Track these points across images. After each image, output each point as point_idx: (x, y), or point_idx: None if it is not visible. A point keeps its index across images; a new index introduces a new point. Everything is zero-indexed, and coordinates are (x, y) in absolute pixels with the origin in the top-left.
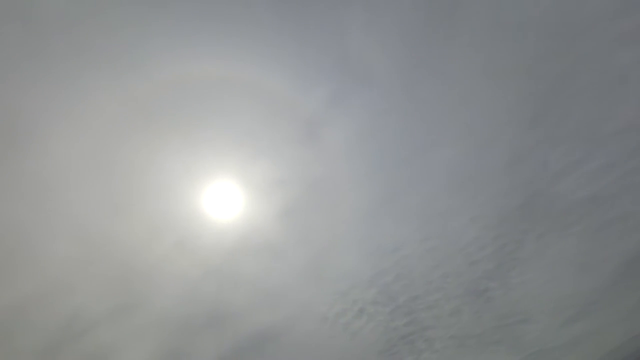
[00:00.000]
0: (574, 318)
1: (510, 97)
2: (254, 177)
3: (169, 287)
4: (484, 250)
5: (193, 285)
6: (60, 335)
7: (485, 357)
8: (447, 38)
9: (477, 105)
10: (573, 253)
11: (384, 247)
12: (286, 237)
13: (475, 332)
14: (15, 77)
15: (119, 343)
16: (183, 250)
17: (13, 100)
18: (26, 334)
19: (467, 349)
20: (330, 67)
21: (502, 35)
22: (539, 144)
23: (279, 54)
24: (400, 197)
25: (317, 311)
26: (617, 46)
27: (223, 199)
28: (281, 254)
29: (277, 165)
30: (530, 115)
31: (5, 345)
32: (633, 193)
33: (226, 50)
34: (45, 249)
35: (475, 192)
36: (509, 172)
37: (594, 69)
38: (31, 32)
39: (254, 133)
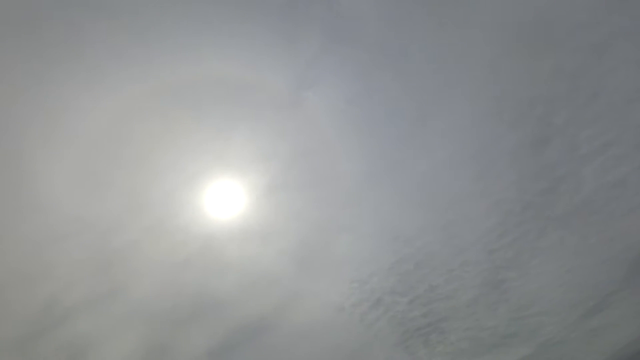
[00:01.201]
0: (593, 310)
1: (538, 70)
2: (232, 153)
3: (149, 273)
4: (504, 238)
5: (175, 271)
6: (34, 324)
7: (499, 351)
8: None
9: (496, 74)
10: (596, 241)
11: (406, 233)
12: (275, 218)
13: (490, 324)
14: None
15: (100, 334)
16: (161, 232)
17: None
18: None
19: (481, 341)
20: (315, 19)
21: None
22: (568, 124)
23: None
24: (409, 175)
25: (327, 300)
26: None
27: (205, 177)
28: (271, 238)
29: (257, 137)
30: (560, 93)
31: None
32: None
33: None
34: (13, 229)
35: (499, 175)
36: (534, 154)
37: (633, 42)
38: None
39: (227, 102)
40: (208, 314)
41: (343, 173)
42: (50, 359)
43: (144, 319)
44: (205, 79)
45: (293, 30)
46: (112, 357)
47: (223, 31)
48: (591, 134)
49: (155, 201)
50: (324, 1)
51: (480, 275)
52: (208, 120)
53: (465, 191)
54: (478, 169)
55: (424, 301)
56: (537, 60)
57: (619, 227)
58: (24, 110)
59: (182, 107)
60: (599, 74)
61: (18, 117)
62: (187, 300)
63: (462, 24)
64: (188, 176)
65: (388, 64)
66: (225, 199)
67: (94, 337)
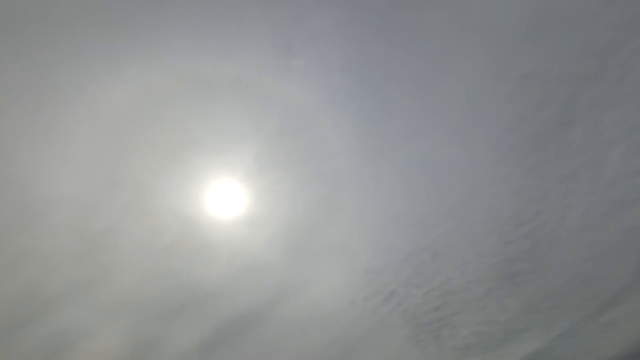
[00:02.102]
0: (608, 303)
1: (568, 45)
2: (211, 131)
3: (131, 258)
4: (522, 228)
5: (158, 258)
6: (11, 316)
7: (510, 345)
8: None
9: (524, 48)
10: (616, 230)
11: (424, 221)
12: (264, 200)
13: (502, 318)
14: None
15: (84, 327)
16: (140, 213)
17: None
18: None
19: (492, 336)
20: None
21: None
22: (593, 106)
23: None
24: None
25: (330, 291)
26: None
27: (184, 156)
28: (260, 222)
29: (239, 112)
30: (588, 71)
31: None
32: None
33: None
34: None
35: (520, 160)
36: (557, 138)
37: None
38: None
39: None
40: (197, 306)
41: (336, 150)
42: (32, 353)
43: (130, 311)
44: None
45: None
46: (98, 351)
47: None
48: (616, 117)
49: (133, 180)
50: None
51: (494, 268)
52: (181, 96)
53: (483, 177)
54: (498, 153)
55: (438, 294)
56: (568, 35)
57: None
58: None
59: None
60: (630, 52)
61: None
62: (173, 290)
63: None
64: (167, 153)
65: (387, 27)
66: (207, 179)
67: (77, 330)
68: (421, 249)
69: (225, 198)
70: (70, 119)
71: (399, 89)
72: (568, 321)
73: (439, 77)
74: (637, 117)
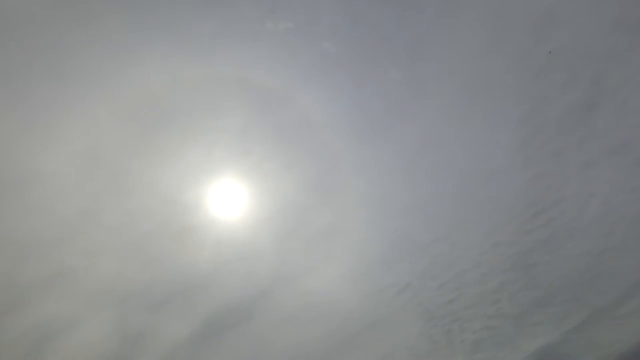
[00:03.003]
0: (623, 296)
1: (600, 20)
2: (192, 101)
3: (115, 244)
4: (541, 217)
5: (140, 244)
6: None
7: (520, 340)
8: None
9: (555, 23)
10: (635, 219)
11: (442, 208)
12: (253, 184)
13: (515, 311)
14: None
15: (68, 317)
16: (122, 194)
17: None
18: None
19: (503, 330)
20: None
21: None
22: (619, 88)
23: None
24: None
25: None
26: None
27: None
28: (248, 207)
29: (223, 82)
30: (618, 49)
31: None
32: None
33: None
34: None
35: (543, 144)
36: (581, 122)
37: None
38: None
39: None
40: (185, 297)
41: (328, 125)
42: (15, 344)
43: (115, 300)
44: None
45: None
46: (83, 344)
47: None
48: None
49: (112, 157)
50: None
51: (510, 259)
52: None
53: (502, 161)
54: (520, 136)
55: (453, 286)
56: (598, 10)
57: None
58: None
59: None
60: None
61: None
62: (160, 279)
63: None
64: (147, 131)
65: None
66: (190, 157)
67: (61, 321)
68: (438, 238)
69: (210, 178)
70: (53, 94)
71: (395, 56)
72: (582, 314)
73: (444, 45)
74: None
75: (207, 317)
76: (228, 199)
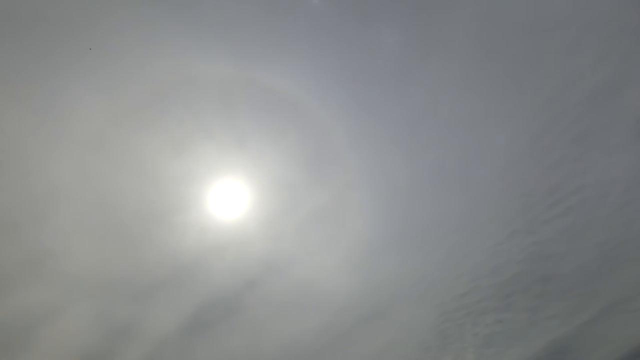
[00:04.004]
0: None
1: None
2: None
3: (93, 227)
4: (560, 205)
5: (125, 226)
6: None
7: (534, 334)
8: None
9: None
10: None
11: (451, 189)
12: (238, 158)
13: (528, 305)
14: None
15: (50, 306)
16: (97, 172)
17: None
18: None
19: (517, 324)
20: None
21: None
22: None
23: None
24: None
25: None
26: None
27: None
28: (234, 185)
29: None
30: None
31: None
32: None
33: None
34: None
35: (567, 127)
36: (608, 102)
37: None
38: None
39: None
40: (172, 285)
41: (317, 93)
42: None
43: (93, 291)
44: None
45: None
46: (66, 334)
47: None
48: None
49: (84, 131)
50: None
51: (526, 250)
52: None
53: (523, 148)
54: (544, 118)
55: (468, 279)
56: None
57: None
58: None
59: None
60: None
61: None
62: (144, 266)
63: None
64: (129, 105)
65: None
66: (172, 127)
67: (43, 310)
68: (447, 224)
69: (193, 153)
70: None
71: (392, 12)
72: (596, 307)
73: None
74: None
75: (195, 309)
76: (212, 178)
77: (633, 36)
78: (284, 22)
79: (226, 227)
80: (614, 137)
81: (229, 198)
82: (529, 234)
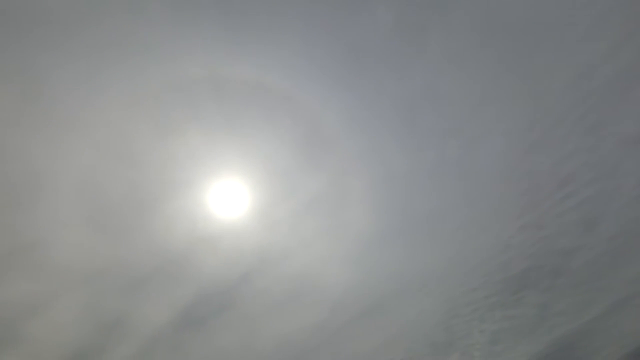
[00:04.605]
0: None
1: None
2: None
3: (77, 214)
4: (574, 198)
5: (111, 213)
6: None
7: (542, 330)
8: None
9: None
10: None
11: (451, 176)
12: (226, 142)
13: (537, 300)
14: None
15: (37, 297)
16: (79, 153)
17: None
18: None
19: (525, 320)
20: None
21: None
22: None
23: None
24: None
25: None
26: None
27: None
28: (223, 171)
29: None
30: None
31: None
32: None
33: None
34: None
35: (582, 117)
36: (626, 91)
37: None
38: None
39: None
40: (163, 277)
41: (313, 69)
42: None
43: (80, 283)
44: None
45: None
46: (52, 327)
47: None
48: None
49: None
50: None
51: (537, 245)
52: None
53: (539, 140)
54: (561, 107)
55: (480, 273)
56: None
57: None
58: None
59: None
60: None
61: None
62: (133, 257)
63: None
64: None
65: None
66: (155, 107)
67: (23, 305)
68: (457, 222)
69: (182, 136)
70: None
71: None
72: (606, 303)
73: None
74: None
75: (186, 302)
76: (204, 165)
77: None
78: (274, 2)
79: (218, 217)
80: (628, 128)
81: (221, 186)
82: (541, 228)
